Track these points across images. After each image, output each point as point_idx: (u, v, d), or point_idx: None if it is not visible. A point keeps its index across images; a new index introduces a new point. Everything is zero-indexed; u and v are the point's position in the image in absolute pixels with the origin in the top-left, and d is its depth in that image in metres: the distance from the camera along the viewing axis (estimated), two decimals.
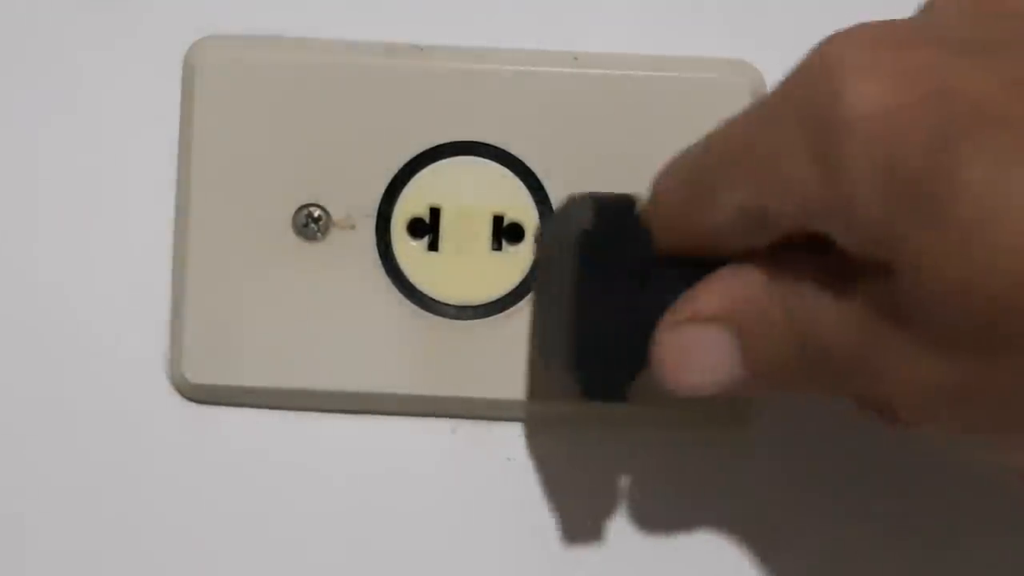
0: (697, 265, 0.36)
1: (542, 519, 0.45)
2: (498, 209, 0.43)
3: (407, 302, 0.44)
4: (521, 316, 0.44)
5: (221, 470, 0.45)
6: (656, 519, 0.45)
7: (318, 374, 0.44)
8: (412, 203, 0.44)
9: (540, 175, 0.43)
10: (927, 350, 0.32)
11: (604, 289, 0.37)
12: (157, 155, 0.44)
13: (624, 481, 0.45)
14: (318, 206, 0.44)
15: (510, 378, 0.44)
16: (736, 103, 0.43)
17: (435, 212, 0.44)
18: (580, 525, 0.45)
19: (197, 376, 0.44)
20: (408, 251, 0.44)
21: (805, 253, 0.34)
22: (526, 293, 0.43)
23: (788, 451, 0.45)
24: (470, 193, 0.43)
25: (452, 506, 0.45)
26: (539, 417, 0.44)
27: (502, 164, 0.44)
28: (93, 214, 0.44)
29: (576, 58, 0.44)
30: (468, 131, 0.43)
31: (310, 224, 0.44)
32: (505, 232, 0.44)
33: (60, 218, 0.44)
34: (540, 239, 0.42)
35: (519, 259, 0.44)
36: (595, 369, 0.38)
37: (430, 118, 0.44)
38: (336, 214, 0.44)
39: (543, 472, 0.45)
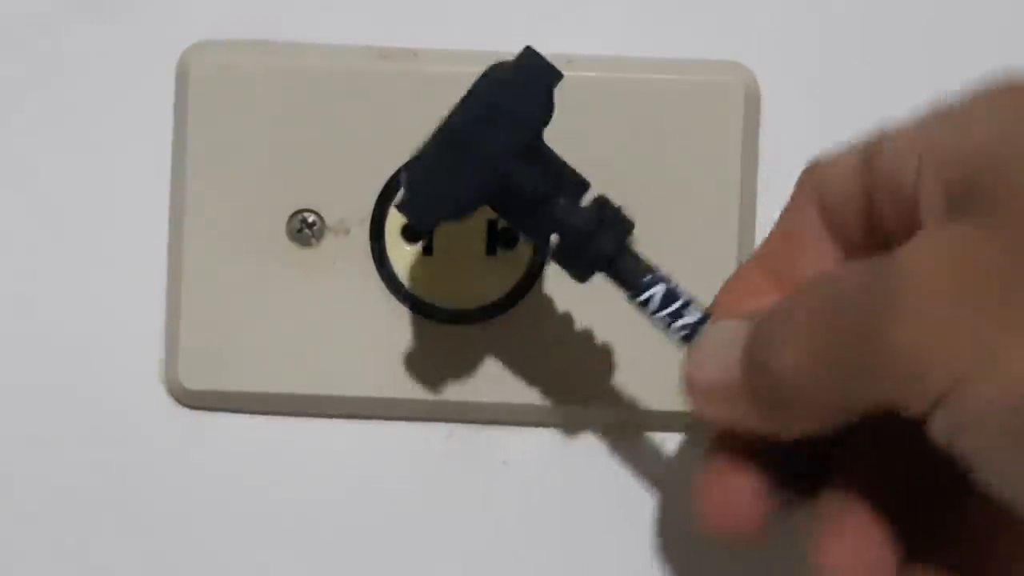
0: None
1: (537, 523, 0.45)
2: (492, 214, 0.43)
3: (402, 307, 0.44)
4: (515, 321, 0.44)
5: (217, 475, 0.45)
6: (650, 521, 0.45)
7: (314, 379, 0.44)
8: None
9: None
10: None
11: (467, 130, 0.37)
12: (151, 161, 0.44)
13: (619, 484, 0.45)
14: (312, 211, 0.44)
15: (505, 382, 0.44)
16: (730, 104, 0.43)
17: None
18: (575, 528, 0.45)
19: (193, 382, 0.44)
20: (403, 256, 0.44)
21: None
22: (520, 298, 0.43)
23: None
24: None
25: (448, 510, 0.45)
26: (534, 421, 0.44)
27: None
28: (87, 220, 0.44)
29: (570, 61, 0.43)
30: None
31: (304, 229, 0.44)
32: (499, 237, 0.44)
33: (54, 224, 0.44)
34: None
35: (513, 264, 0.44)
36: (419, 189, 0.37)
37: (424, 122, 0.43)
38: (330, 219, 0.44)
39: (538, 476, 0.45)
